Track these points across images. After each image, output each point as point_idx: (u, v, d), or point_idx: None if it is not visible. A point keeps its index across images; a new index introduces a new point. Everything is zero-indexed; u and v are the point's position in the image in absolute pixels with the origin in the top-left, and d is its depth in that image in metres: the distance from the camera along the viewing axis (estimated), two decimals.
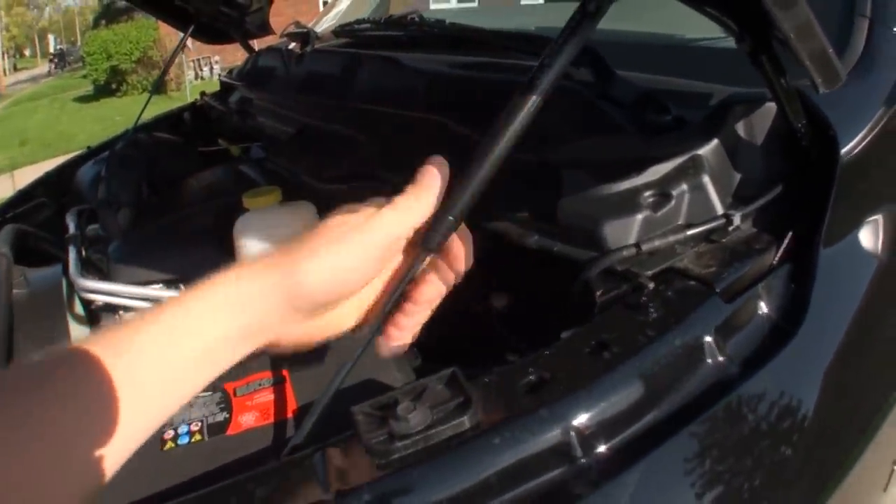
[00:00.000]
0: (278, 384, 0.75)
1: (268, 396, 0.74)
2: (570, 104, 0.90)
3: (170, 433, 0.70)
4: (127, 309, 1.29)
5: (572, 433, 0.53)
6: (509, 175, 0.63)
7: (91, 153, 2.04)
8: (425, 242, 0.57)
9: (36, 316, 1.06)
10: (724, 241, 0.72)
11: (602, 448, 0.54)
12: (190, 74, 13.50)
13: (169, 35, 14.47)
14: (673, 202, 0.74)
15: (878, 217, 0.80)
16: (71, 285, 1.22)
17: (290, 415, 0.72)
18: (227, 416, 0.72)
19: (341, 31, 1.69)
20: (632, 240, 0.73)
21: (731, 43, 1.04)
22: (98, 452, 0.44)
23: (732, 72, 0.95)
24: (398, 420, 0.53)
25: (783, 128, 0.79)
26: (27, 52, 65.03)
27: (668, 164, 0.76)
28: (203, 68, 14.98)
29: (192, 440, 0.69)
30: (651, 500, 0.53)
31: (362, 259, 0.56)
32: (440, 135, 1.07)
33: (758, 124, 0.80)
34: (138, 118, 2.08)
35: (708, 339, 0.61)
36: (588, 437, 0.53)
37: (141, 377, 0.47)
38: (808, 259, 0.69)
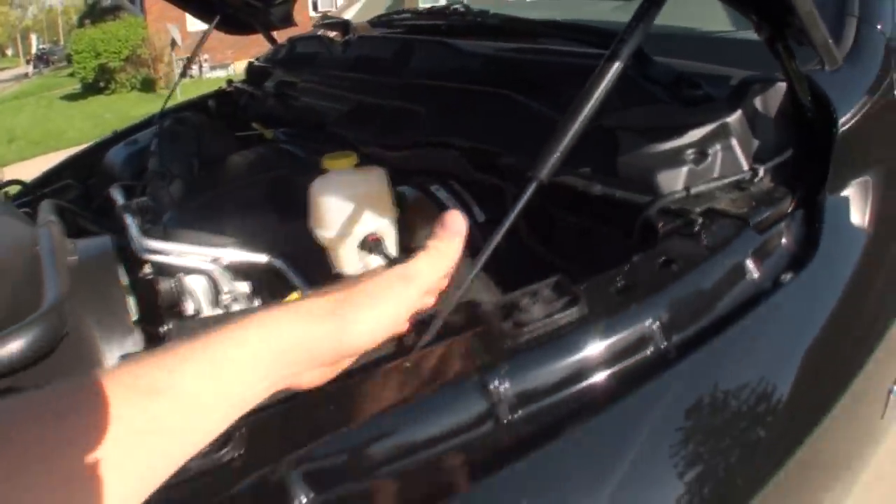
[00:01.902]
0: None
1: None
2: (619, 81, 1.02)
3: None
4: (188, 271, 1.36)
5: (655, 325, 0.65)
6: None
7: (117, 137, 2.11)
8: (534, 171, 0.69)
9: (90, 283, 1.08)
10: (751, 189, 0.88)
11: (675, 338, 0.66)
12: (177, 73, 13.37)
13: (158, 33, 14.23)
14: (709, 159, 0.91)
15: (867, 174, 0.94)
16: (119, 254, 1.28)
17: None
18: None
19: (378, 21, 1.79)
20: (680, 186, 0.89)
21: (740, 35, 1.18)
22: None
23: (744, 58, 1.12)
24: (522, 311, 0.64)
25: (791, 103, 0.97)
26: (9, 52, 63.65)
27: (703, 129, 0.92)
28: (192, 67, 14.81)
29: None
30: (713, 375, 0.67)
31: (405, 307, 0.58)
32: (505, 105, 1.19)
33: (771, 100, 0.97)
34: (165, 104, 2.13)
35: (747, 261, 0.75)
36: (666, 329, 0.65)
37: (171, 423, 0.44)
38: (816, 204, 0.85)
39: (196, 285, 1.36)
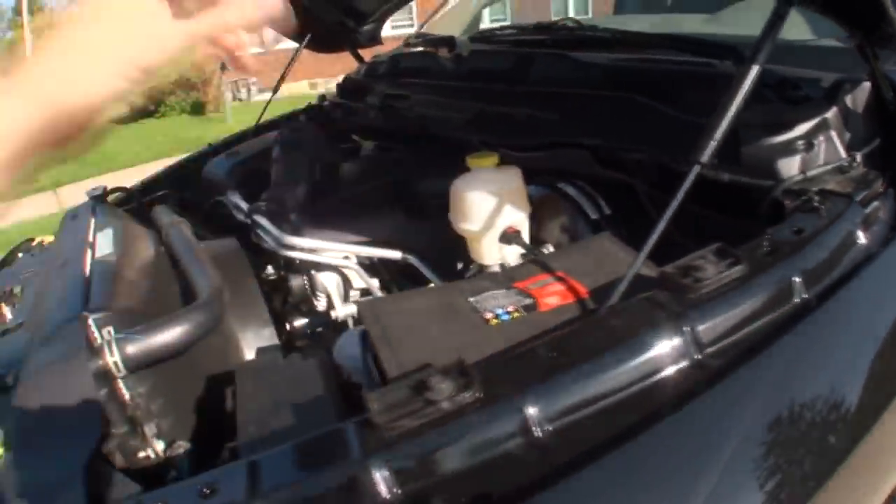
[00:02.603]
0: (560, 280, 0.97)
1: (558, 287, 0.95)
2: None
3: (490, 314, 0.89)
4: (321, 267, 1.50)
5: (799, 279, 0.82)
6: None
7: (213, 150, 2.24)
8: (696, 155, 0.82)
9: (226, 280, 1.17)
10: (851, 173, 1.06)
11: (814, 290, 0.83)
12: (228, 96, 13.71)
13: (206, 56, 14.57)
14: (815, 148, 1.08)
15: None
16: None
17: (588, 294, 0.93)
18: (533, 300, 0.93)
19: (480, 37, 1.94)
20: (796, 172, 1.07)
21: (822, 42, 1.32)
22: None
23: (823, 63, 1.28)
24: (699, 270, 0.80)
25: (876, 99, 1.14)
26: None
27: (808, 123, 1.09)
28: (241, 90, 15.21)
29: (513, 317, 0.89)
30: (847, 319, 0.84)
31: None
32: (628, 108, 1.33)
33: (859, 98, 1.14)
34: (259, 119, 2.32)
35: (857, 230, 0.93)
36: (807, 282, 0.82)
37: None
38: None
39: (328, 282, 1.51)
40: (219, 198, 1.90)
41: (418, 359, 0.79)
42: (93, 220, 1.51)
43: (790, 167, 1.07)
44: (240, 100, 14.90)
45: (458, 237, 1.37)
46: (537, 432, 0.66)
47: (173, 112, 14.08)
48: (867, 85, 1.14)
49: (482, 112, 1.60)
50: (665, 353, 0.72)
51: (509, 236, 1.25)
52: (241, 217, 1.73)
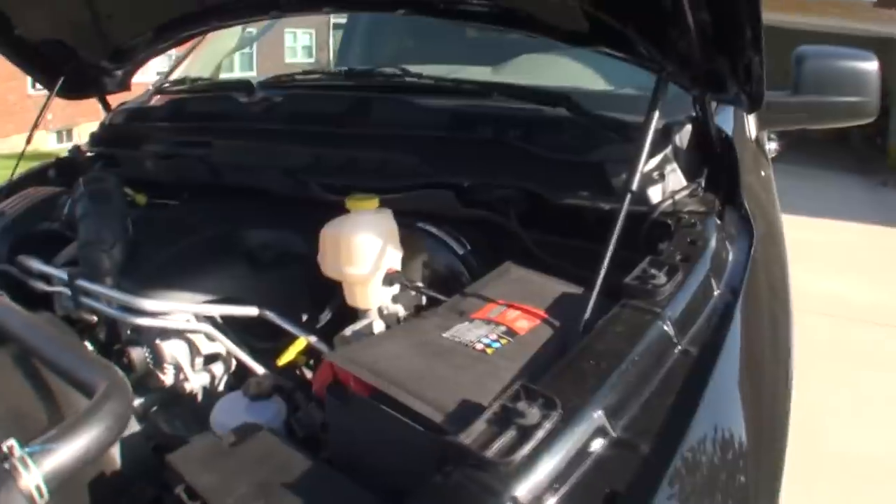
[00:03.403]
0: (509, 306, 1.02)
1: (514, 313, 1.00)
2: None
3: (480, 345, 0.92)
4: (166, 334, 1.35)
5: (710, 275, 1.07)
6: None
7: None
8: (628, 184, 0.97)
9: None
10: (700, 196, 1.32)
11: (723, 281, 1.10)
12: None
13: None
14: (666, 178, 1.32)
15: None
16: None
17: (546, 314, 1.00)
18: (505, 327, 0.96)
19: (277, 81, 1.95)
20: (661, 197, 1.29)
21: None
22: None
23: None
24: (655, 278, 0.99)
25: (699, 138, 1.40)
26: None
27: (656, 159, 1.32)
28: None
29: (502, 343, 0.92)
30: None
31: None
32: (489, 149, 1.45)
33: (685, 137, 1.40)
34: (12, 175, 2.06)
35: (719, 234, 1.17)
36: (715, 276, 1.08)
37: None
38: (738, 201, 1.34)
39: (177, 350, 1.35)
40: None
41: (447, 399, 0.81)
42: None
43: (655, 194, 1.29)
44: None
45: (314, 285, 1.35)
46: (615, 432, 0.74)
47: None
48: (689, 127, 1.40)
49: (321, 156, 1.58)
50: (662, 343, 0.89)
51: (392, 277, 1.26)
52: (41, 285, 1.53)
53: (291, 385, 1.20)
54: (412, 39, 2.61)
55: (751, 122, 1.99)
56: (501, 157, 1.40)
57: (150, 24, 1.99)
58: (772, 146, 2.74)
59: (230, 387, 1.36)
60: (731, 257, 1.17)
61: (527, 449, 0.67)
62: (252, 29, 2.76)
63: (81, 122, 13.33)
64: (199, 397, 1.35)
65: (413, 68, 1.77)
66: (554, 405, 0.71)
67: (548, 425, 0.69)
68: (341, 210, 1.33)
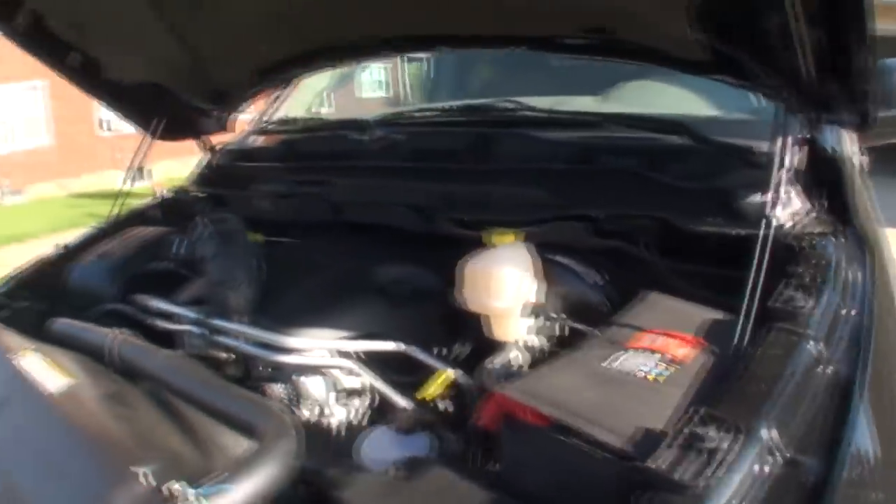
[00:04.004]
0: (662, 334, 1.06)
1: (668, 340, 1.04)
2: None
3: (644, 373, 0.95)
4: (305, 370, 1.40)
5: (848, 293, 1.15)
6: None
7: (68, 253, 2.00)
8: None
9: None
10: (821, 217, 1.35)
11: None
12: None
13: None
14: (790, 201, 1.34)
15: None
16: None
17: (698, 341, 1.04)
18: (664, 355, 1.00)
19: (392, 118, 2.00)
20: (786, 220, 1.29)
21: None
22: None
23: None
24: (796, 300, 1.06)
25: (813, 160, 1.41)
26: None
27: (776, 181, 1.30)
28: None
29: (666, 371, 0.96)
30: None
31: None
32: (620, 179, 1.51)
33: (800, 159, 1.38)
34: (114, 213, 2.12)
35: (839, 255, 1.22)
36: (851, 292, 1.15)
37: None
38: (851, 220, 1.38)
39: (317, 386, 1.40)
40: (110, 306, 1.72)
41: (626, 427, 0.85)
42: None
43: (781, 217, 1.28)
44: None
45: (447, 318, 1.40)
46: (783, 452, 0.79)
47: None
48: (804, 148, 1.40)
49: (448, 192, 1.63)
50: (810, 360, 0.95)
51: (535, 310, 1.30)
52: (164, 324, 1.60)
53: (436, 418, 1.24)
54: (500, 70, 2.66)
55: (854, 139, 1.99)
56: (629, 187, 1.43)
57: (255, 66, 2.06)
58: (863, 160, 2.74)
59: (370, 421, 1.40)
60: (854, 277, 1.21)
61: (713, 471, 0.72)
62: None
63: (158, 161, 13.81)
64: (338, 431, 1.39)
65: (524, 101, 1.82)
66: (733, 429, 0.77)
67: (729, 448, 0.75)
68: (472, 245, 1.38)
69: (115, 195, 2.17)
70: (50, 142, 16.10)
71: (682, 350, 1.02)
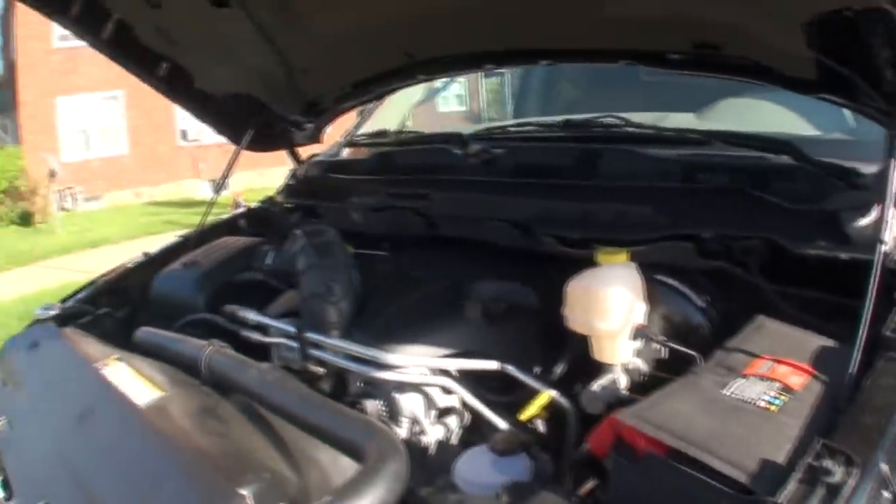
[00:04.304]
0: (776, 361, 1.04)
1: (783, 368, 1.01)
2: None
3: (763, 402, 0.93)
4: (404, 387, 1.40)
5: None
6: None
7: (151, 262, 2.07)
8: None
9: None
10: None
11: None
12: (54, 205, 13.31)
13: (36, 163, 14.23)
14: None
15: None
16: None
17: (813, 369, 1.01)
18: (779, 383, 0.97)
19: (488, 133, 2.00)
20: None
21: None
22: None
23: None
24: None
25: None
26: None
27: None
28: (67, 199, 14.77)
29: (782, 400, 0.93)
30: None
31: None
32: (729, 198, 1.45)
33: None
34: (201, 224, 2.16)
35: None
36: None
37: None
38: None
39: (414, 403, 1.40)
40: (198, 316, 1.75)
41: (746, 458, 0.83)
42: (78, 353, 1.41)
43: (890, 242, 1.22)
44: (66, 209, 14.53)
45: (545, 337, 1.38)
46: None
47: (1, 223, 13.84)
48: None
49: (551, 209, 1.62)
50: None
51: (640, 332, 1.28)
52: (256, 336, 1.62)
53: (533, 439, 1.22)
54: (588, 86, 2.63)
55: None
56: (735, 207, 1.39)
57: (350, 78, 2.08)
58: None
59: (463, 440, 1.40)
60: None
61: None
62: None
63: (237, 171, 14.15)
64: (433, 450, 1.38)
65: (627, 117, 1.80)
66: (854, 462, 0.77)
67: (851, 482, 0.75)
68: (574, 263, 1.36)
69: (194, 204, 2.22)
70: (127, 150, 16.72)
71: (795, 378, 0.99)
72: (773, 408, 0.92)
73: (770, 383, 0.98)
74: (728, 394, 0.96)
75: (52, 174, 12.96)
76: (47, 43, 14.64)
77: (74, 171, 15.14)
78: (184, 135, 16.53)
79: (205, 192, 15.47)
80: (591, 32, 1.47)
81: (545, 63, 1.69)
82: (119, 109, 16.39)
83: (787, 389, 0.96)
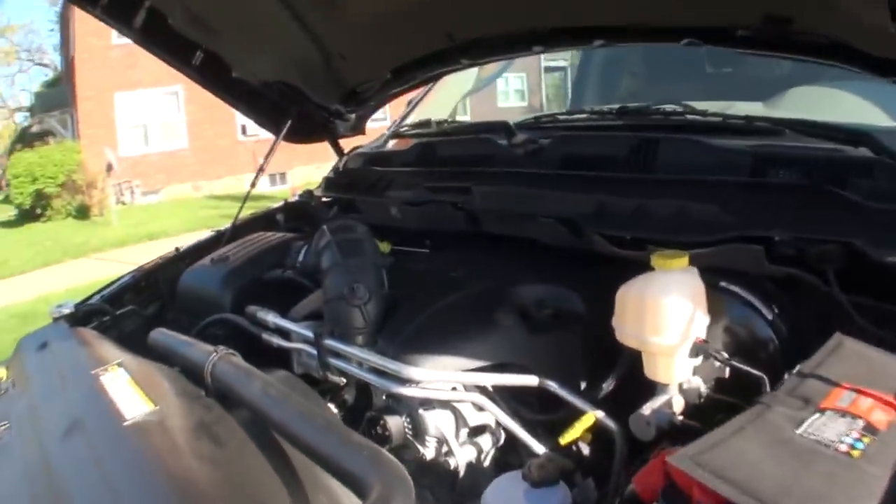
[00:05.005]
0: (857, 392, 0.89)
1: (866, 401, 0.86)
2: None
3: (843, 446, 0.78)
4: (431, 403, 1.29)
5: None
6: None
7: (181, 256, 2.03)
8: None
9: None
10: None
11: None
12: (112, 199, 13.89)
13: (94, 157, 14.83)
14: None
15: None
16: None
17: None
18: (862, 420, 0.83)
19: (536, 122, 1.87)
20: None
21: None
22: None
23: None
24: None
25: None
26: None
27: None
28: (125, 192, 15.44)
29: (865, 443, 0.79)
30: None
31: None
32: (804, 196, 1.30)
33: None
34: (235, 220, 2.11)
35: None
36: None
37: None
38: None
39: (443, 421, 1.28)
40: (220, 316, 1.68)
41: None
42: (81, 357, 1.38)
43: None
44: (123, 203, 15.18)
45: (593, 349, 1.27)
46: None
47: (59, 216, 14.45)
48: None
49: (603, 205, 1.48)
50: None
51: (700, 348, 1.13)
52: (277, 340, 1.53)
53: (574, 466, 1.09)
54: (648, 74, 2.51)
55: None
56: (812, 206, 1.25)
57: (390, 64, 1.98)
58: None
59: (496, 462, 1.28)
60: None
61: None
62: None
63: (295, 165, 14.47)
64: (462, 472, 1.26)
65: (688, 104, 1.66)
66: None
67: None
68: (629, 265, 1.23)
69: (253, 197, 2.18)
70: (186, 145, 17.14)
71: (880, 414, 0.84)
72: (855, 452, 0.78)
73: (852, 420, 0.83)
74: (803, 433, 0.82)
75: (109, 168, 13.43)
76: (107, 39, 15.11)
77: (132, 165, 15.70)
78: (244, 129, 16.86)
79: (264, 186, 15.78)
80: (649, 7, 1.34)
81: (599, 44, 1.54)
82: (179, 104, 16.84)
83: (870, 429, 0.82)
